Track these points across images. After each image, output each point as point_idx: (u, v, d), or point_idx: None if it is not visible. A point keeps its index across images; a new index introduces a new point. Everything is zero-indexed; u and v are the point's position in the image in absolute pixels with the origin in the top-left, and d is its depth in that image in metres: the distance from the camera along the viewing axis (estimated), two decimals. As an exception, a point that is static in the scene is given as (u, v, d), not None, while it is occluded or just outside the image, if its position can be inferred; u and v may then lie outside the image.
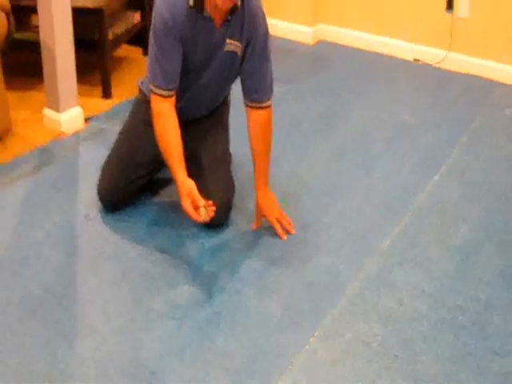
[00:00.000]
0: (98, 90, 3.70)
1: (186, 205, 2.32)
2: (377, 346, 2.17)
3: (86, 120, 3.41)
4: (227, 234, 2.64)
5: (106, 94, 3.69)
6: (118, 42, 3.86)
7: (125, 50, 4.13)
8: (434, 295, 2.39)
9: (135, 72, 3.96)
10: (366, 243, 2.64)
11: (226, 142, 2.79)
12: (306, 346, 2.15)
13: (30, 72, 3.67)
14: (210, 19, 2.41)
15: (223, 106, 2.82)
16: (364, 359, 2.12)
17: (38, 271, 2.42)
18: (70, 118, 3.32)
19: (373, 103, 3.79)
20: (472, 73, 4.15)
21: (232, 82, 2.67)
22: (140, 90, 2.77)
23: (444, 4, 4.12)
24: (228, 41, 2.46)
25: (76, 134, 3.30)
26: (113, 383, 2.01)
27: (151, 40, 2.45)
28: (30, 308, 2.26)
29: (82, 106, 3.39)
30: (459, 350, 2.17)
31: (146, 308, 2.28)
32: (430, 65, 4.25)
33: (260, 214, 2.66)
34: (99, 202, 2.73)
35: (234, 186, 2.70)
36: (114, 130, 3.03)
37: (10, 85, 3.28)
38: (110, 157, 2.74)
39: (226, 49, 2.48)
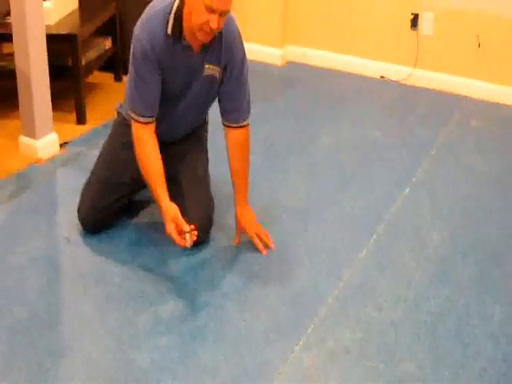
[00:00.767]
0: (72, 116, 3.72)
1: (171, 229, 2.37)
2: (359, 351, 2.23)
3: (62, 145, 3.43)
4: (209, 251, 2.68)
5: (81, 119, 3.71)
6: (90, 68, 3.90)
7: (96, 77, 4.16)
8: (412, 301, 2.46)
9: (108, 97, 4.00)
10: (344, 255, 2.71)
11: (206, 161, 2.83)
12: (292, 355, 2.20)
13: (3, 99, 3.70)
14: (189, 46, 2.46)
15: (202, 126, 2.86)
16: (347, 365, 2.18)
17: (22, 296, 2.43)
18: (47, 144, 3.34)
19: (343, 121, 3.87)
20: (438, 88, 4.27)
21: (211, 103, 2.71)
22: (118, 112, 2.80)
23: (409, 22, 4.25)
24: (207, 66, 2.50)
25: (52, 159, 3.33)
26: (103, 400, 2.04)
27: (130, 67, 2.48)
28: (17, 332, 2.27)
29: (57, 131, 3.41)
30: (440, 354, 2.23)
31: (132, 326, 2.31)
32: (397, 81, 4.37)
33: (239, 228, 2.70)
34: (79, 225, 2.75)
35: (214, 204, 2.74)
36: (90, 154, 3.07)
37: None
38: (89, 179, 2.76)
39: (204, 73, 2.52)
